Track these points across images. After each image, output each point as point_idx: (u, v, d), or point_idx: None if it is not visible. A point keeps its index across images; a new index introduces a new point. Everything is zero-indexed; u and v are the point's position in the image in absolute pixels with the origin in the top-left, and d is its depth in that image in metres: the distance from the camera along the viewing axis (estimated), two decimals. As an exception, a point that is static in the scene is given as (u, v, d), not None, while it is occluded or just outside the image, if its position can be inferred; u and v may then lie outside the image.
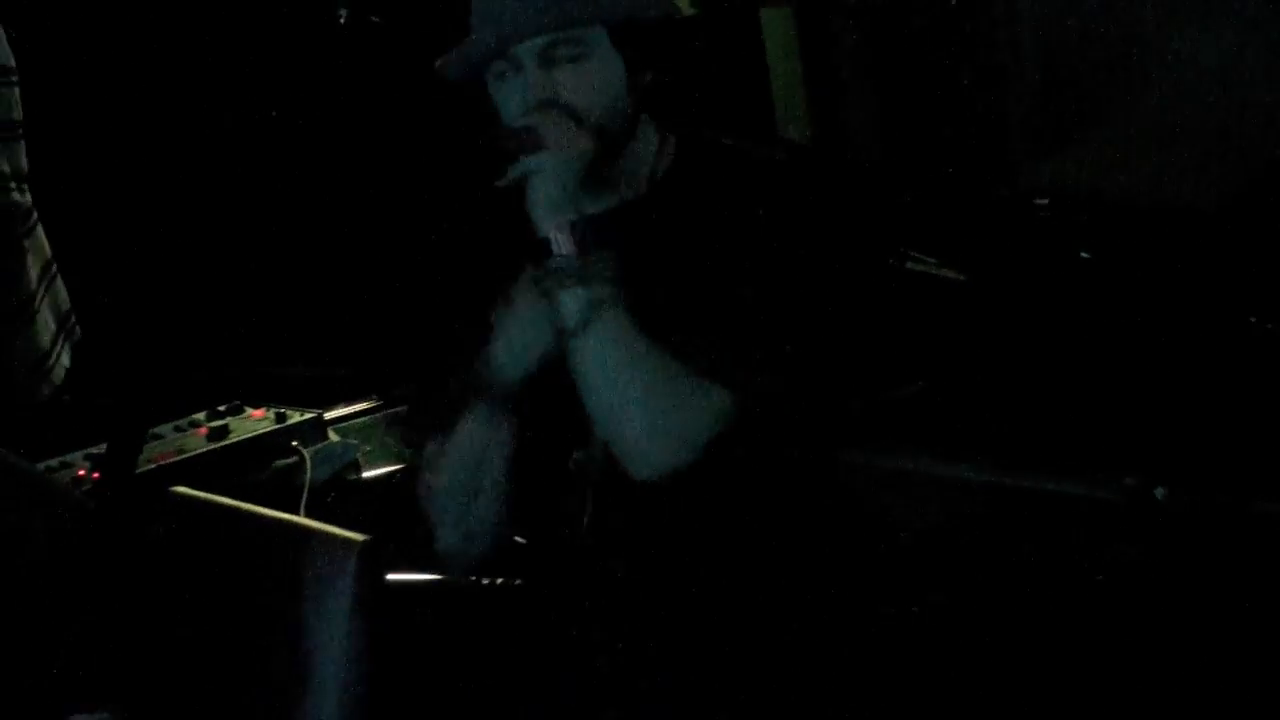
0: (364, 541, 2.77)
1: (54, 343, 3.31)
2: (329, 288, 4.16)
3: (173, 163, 4.09)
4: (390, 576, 2.94)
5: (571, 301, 2.54)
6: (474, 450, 2.73)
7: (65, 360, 3.33)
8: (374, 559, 2.79)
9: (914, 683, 2.60)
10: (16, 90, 3.21)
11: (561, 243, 2.54)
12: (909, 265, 3.03)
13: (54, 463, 3.47)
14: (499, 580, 3.17)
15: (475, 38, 2.55)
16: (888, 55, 3.20)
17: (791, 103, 3.25)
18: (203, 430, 3.65)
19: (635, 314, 2.54)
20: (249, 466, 3.64)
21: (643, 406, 2.54)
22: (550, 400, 2.65)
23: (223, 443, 3.62)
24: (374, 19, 3.65)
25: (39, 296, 3.30)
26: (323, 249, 4.26)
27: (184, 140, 4.11)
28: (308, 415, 3.74)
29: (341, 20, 3.74)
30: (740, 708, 2.58)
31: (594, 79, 2.56)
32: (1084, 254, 2.95)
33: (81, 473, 3.48)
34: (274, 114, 4.01)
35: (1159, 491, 2.92)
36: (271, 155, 4.21)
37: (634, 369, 2.55)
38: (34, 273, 3.32)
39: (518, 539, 2.87)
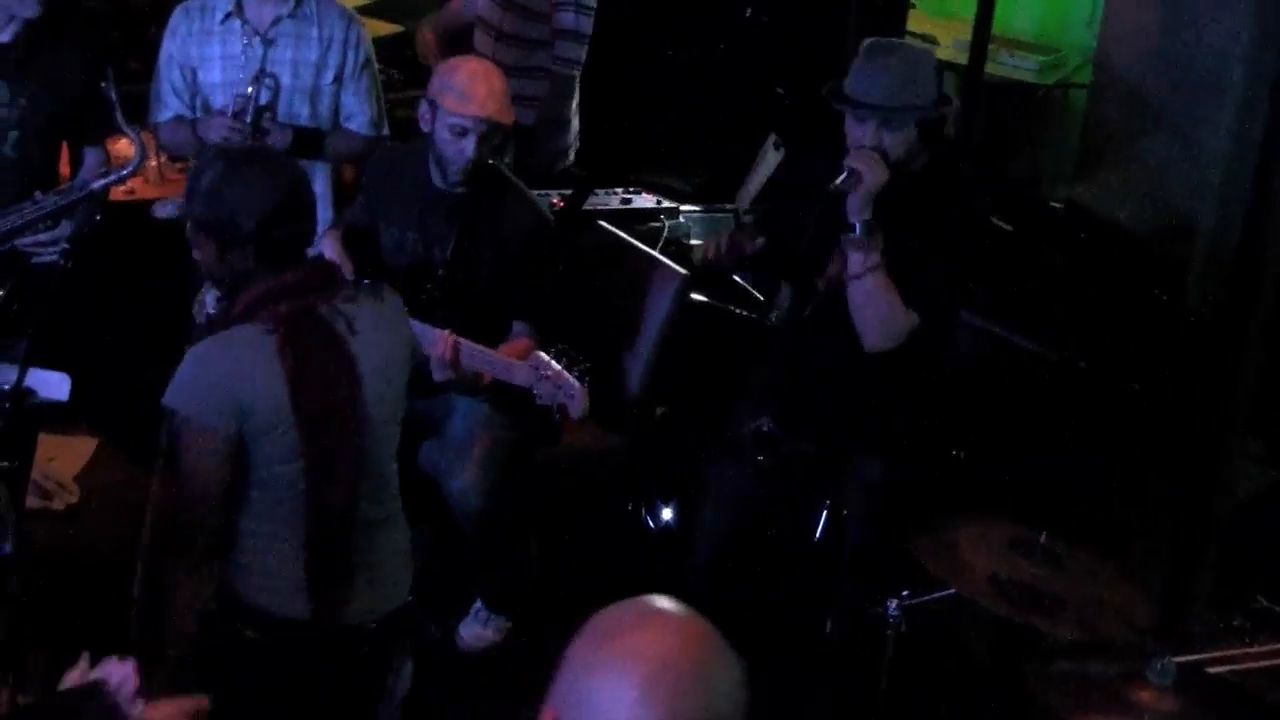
0: (685, 273, 4.69)
1: (573, 141, 5.67)
2: (698, 143, 6.11)
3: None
4: (692, 295, 4.81)
5: (860, 256, 3.59)
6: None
7: (574, 152, 5.67)
8: (687, 283, 4.69)
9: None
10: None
11: (861, 226, 3.55)
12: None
13: (541, 193, 5.02)
14: (741, 310, 4.91)
15: (864, 101, 3.62)
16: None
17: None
18: (617, 199, 5.46)
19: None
20: (637, 222, 5.32)
21: (880, 317, 3.64)
22: None
23: (627, 207, 5.45)
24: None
25: (573, 117, 5.66)
26: (693, 126, 6.25)
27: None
28: (671, 204, 5.49)
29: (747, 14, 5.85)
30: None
31: (903, 140, 3.66)
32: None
33: (555, 201, 5.29)
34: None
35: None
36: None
37: (883, 300, 3.62)
38: (572, 108, 5.69)
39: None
